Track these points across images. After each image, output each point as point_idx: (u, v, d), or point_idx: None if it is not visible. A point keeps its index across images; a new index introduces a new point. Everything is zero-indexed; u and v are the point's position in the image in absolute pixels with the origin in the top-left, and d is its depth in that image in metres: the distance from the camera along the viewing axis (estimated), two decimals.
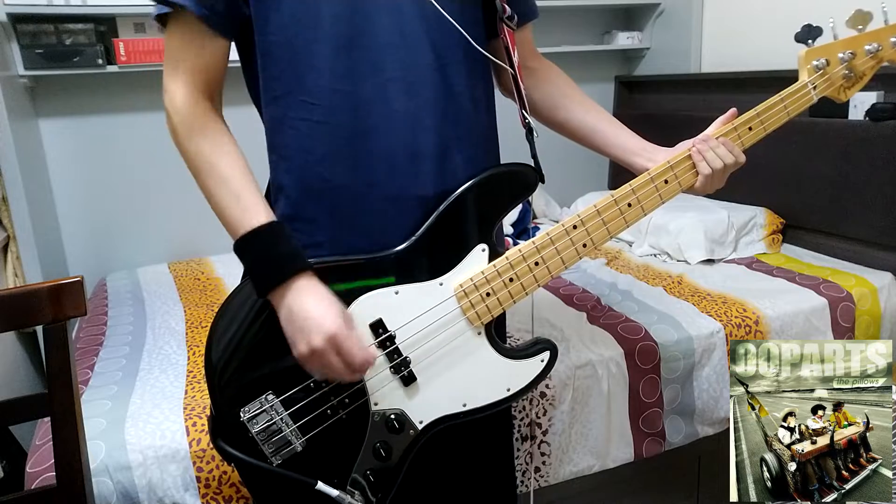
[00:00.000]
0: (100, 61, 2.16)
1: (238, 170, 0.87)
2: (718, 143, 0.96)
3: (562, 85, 1.09)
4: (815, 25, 1.00)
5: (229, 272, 2.23)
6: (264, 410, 0.88)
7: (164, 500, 1.20)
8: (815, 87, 1.01)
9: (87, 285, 1.10)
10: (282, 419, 0.89)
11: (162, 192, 2.43)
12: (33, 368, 2.03)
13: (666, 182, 0.97)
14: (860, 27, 1.01)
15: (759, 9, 2.39)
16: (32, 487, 1.13)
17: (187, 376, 1.45)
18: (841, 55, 1.01)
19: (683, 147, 0.99)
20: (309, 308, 0.83)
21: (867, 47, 1.02)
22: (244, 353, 0.88)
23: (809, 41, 1.00)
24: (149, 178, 2.40)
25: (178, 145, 0.88)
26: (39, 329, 1.60)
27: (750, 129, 0.99)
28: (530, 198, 0.96)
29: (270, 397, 0.88)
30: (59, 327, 0.95)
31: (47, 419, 0.96)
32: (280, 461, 0.89)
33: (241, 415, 0.88)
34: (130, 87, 2.36)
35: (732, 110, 1.00)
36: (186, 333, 1.71)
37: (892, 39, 1.02)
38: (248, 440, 0.88)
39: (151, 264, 2.42)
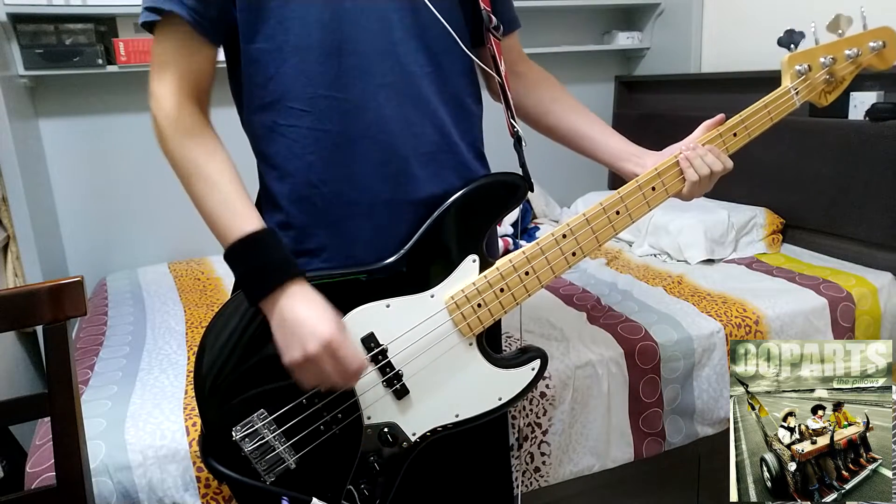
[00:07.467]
0: (100, 61, 2.16)
1: (228, 176, 0.85)
2: (706, 151, 0.96)
3: (551, 89, 1.09)
4: (797, 30, 0.99)
5: (229, 272, 2.18)
6: (257, 429, 0.87)
7: (164, 500, 1.20)
8: (797, 93, 1.01)
9: (87, 285, 1.10)
10: (275, 437, 0.87)
11: (162, 192, 2.42)
12: (33, 368, 2.03)
13: (653, 189, 0.96)
14: (840, 32, 1.01)
15: (759, 9, 2.39)
16: (32, 487, 1.13)
17: (187, 376, 1.45)
18: (822, 60, 1.01)
19: (671, 151, 0.99)
20: (302, 313, 0.81)
21: (847, 52, 1.01)
22: (236, 369, 0.87)
23: (792, 45, 1.00)
24: (149, 177, 2.40)
25: (166, 150, 0.87)
26: (39, 329, 1.60)
27: (735, 135, 0.99)
28: (529, 197, 0.96)
29: (263, 415, 0.87)
30: (59, 327, 0.94)
31: (47, 419, 0.96)
32: (273, 478, 0.88)
33: (234, 433, 0.86)
34: (130, 87, 2.36)
35: (720, 116, 1.00)
36: (186, 333, 1.71)
37: (871, 45, 1.02)
38: (240, 458, 0.87)
39: (151, 264, 2.42)
